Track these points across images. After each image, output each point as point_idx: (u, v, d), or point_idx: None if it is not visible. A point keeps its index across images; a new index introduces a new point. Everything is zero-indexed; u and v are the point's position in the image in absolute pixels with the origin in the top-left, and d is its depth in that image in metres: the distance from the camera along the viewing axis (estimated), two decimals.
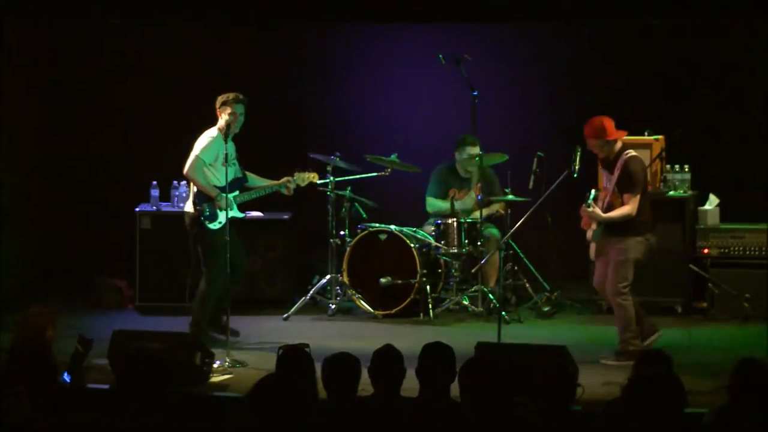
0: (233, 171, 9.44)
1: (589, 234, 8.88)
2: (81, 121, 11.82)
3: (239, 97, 9.45)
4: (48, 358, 5.71)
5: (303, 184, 9.89)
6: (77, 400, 5.81)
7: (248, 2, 11.17)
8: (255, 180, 9.79)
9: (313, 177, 9.96)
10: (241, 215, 9.67)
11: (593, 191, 8.81)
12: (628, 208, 8.70)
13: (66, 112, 11.83)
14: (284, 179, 9.78)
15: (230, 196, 9.36)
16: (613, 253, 8.82)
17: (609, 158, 8.84)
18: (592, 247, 8.96)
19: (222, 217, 9.37)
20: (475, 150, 10.64)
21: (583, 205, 8.75)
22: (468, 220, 10.47)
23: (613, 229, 8.79)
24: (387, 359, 5.79)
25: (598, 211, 8.73)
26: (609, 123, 8.81)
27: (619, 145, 8.85)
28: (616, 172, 8.75)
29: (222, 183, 9.33)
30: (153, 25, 11.61)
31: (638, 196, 8.72)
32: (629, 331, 8.82)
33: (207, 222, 9.42)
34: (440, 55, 10.82)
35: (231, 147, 9.47)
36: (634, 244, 8.78)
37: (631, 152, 8.84)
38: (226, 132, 9.35)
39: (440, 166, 11.01)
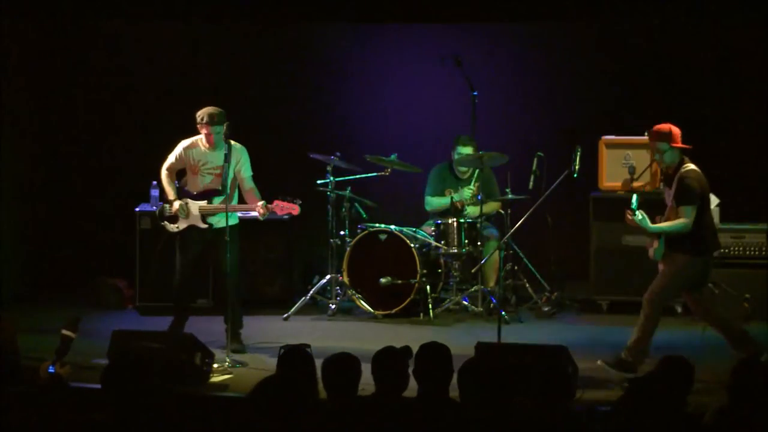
0: (208, 180, 9.28)
1: (651, 253, 8.32)
2: (81, 120, 11.81)
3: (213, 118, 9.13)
4: (14, 363, 5.76)
5: (280, 213, 9.30)
6: (76, 400, 5.81)
7: (248, 2, 11.17)
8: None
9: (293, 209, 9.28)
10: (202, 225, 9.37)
11: (635, 195, 8.21)
12: (683, 221, 8.16)
13: (66, 112, 11.82)
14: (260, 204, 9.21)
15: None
16: (669, 263, 8.31)
17: (668, 171, 8.29)
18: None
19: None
20: (468, 150, 10.61)
21: (628, 209, 8.17)
22: (468, 220, 10.47)
23: (676, 244, 8.23)
24: (394, 359, 5.78)
25: (647, 219, 8.17)
26: (676, 130, 8.27)
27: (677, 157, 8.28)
28: (674, 186, 8.23)
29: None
30: (154, 25, 11.60)
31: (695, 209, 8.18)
32: (639, 342, 8.29)
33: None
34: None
35: (212, 157, 9.26)
36: (691, 261, 8.28)
37: (689, 165, 8.29)
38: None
39: (438, 166, 10.99)
